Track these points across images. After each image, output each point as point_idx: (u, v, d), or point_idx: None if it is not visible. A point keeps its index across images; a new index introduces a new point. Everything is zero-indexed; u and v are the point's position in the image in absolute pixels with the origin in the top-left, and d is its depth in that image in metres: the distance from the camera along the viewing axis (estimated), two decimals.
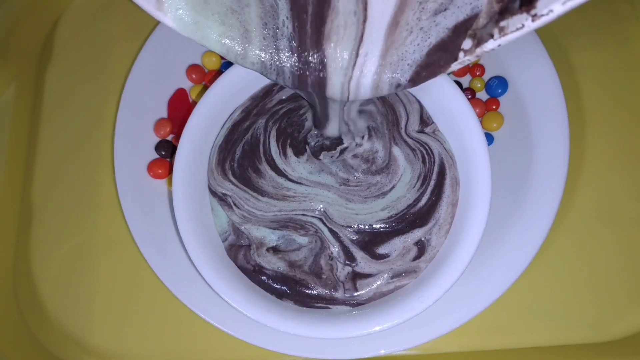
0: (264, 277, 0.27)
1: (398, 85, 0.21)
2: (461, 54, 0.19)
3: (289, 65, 0.22)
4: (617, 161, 0.32)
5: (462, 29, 0.19)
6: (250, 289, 0.26)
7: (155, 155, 0.32)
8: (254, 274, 0.27)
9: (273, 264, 0.27)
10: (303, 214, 0.27)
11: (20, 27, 0.35)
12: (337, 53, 0.21)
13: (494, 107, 0.31)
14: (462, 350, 0.30)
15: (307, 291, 0.27)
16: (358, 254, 0.26)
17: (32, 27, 0.36)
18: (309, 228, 0.27)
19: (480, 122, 0.29)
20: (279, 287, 0.27)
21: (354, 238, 0.26)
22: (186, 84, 0.33)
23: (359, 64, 0.21)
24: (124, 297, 0.32)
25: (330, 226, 0.27)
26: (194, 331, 0.31)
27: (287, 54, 0.21)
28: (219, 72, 0.33)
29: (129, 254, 0.32)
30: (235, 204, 0.27)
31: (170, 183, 0.31)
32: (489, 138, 0.31)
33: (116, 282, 0.32)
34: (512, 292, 0.28)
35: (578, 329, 0.30)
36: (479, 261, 0.27)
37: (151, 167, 0.31)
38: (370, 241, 0.26)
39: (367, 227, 0.27)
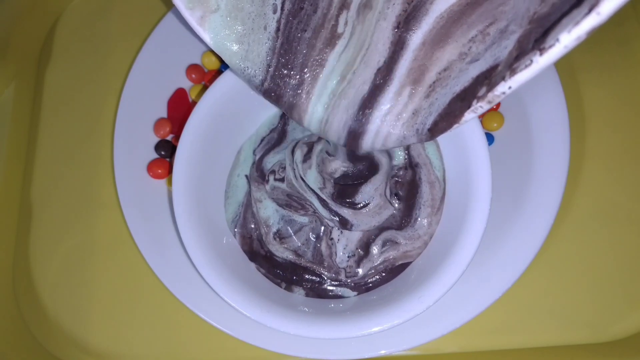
0: (274, 264, 0.27)
1: (416, 134, 0.21)
2: (474, 101, 0.18)
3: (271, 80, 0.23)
4: (618, 161, 0.32)
5: (482, 78, 0.18)
6: (251, 289, 0.26)
7: (155, 155, 0.32)
8: (266, 260, 0.27)
9: (281, 252, 0.27)
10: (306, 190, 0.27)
11: (19, 26, 0.35)
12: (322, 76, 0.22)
13: (494, 106, 0.31)
14: (463, 351, 0.30)
15: (314, 277, 0.27)
16: (342, 210, 0.26)
17: (31, 27, 0.36)
18: (308, 208, 0.27)
19: (481, 121, 0.29)
20: (288, 274, 0.27)
21: (333, 192, 0.27)
22: (186, 83, 0.33)
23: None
24: (123, 297, 0.32)
25: (322, 195, 0.27)
26: (193, 331, 0.31)
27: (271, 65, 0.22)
28: (218, 72, 0.33)
29: (128, 254, 0.32)
30: (275, 177, 0.28)
31: (170, 183, 0.31)
32: (489, 138, 0.31)
33: (116, 282, 0.32)
34: (513, 293, 0.28)
35: (578, 329, 0.30)
36: (479, 261, 0.27)
37: (151, 167, 0.31)
38: (344, 192, 0.27)
39: (340, 174, 0.27)
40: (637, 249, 0.31)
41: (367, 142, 0.22)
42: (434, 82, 0.20)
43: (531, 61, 0.16)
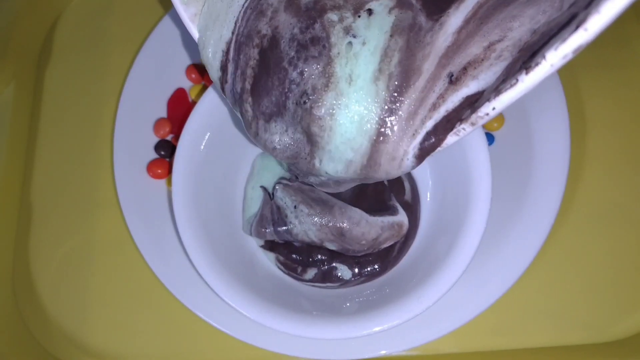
0: (292, 250, 0.29)
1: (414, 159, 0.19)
2: (458, 123, 0.18)
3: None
4: (618, 161, 0.32)
5: (468, 101, 0.18)
6: (250, 289, 0.26)
7: (155, 155, 0.32)
8: (285, 247, 0.29)
9: (299, 227, 0.28)
10: None
11: (19, 26, 0.35)
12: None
13: None
14: (462, 351, 0.30)
15: (324, 257, 0.28)
16: None
17: (31, 27, 0.36)
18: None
19: None
20: (304, 256, 0.28)
21: None
22: (186, 83, 0.33)
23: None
24: (123, 298, 0.31)
25: None
26: (193, 332, 0.31)
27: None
28: None
29: (128, 254, 0.32)
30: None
31: (169, 183, 0.31)
32: (490, 138, 0.31)
33: (115, 282, 0.32)
34: (513, 293, 0.28)
35: (578, 330, 0.30)
36: (479, 262, 0.27)
37: (150, 167, 0.31)
38: None
39: None
40: (636, 250, 0.31)
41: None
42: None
43: (517, 80, 0.15)
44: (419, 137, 0.18)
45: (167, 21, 0.33)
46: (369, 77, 0.18)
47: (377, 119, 0.18)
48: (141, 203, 0.31)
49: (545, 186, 0.29)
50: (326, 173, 0.20)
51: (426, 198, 0.29)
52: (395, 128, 0.18)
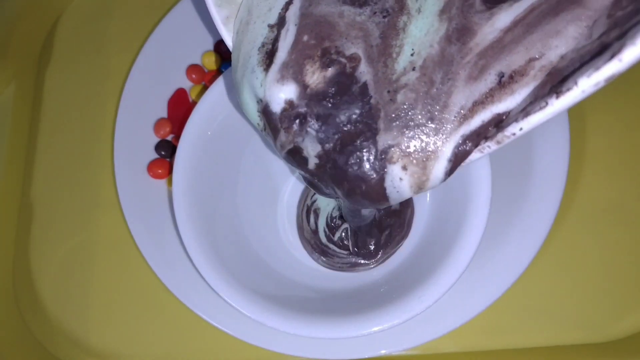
0: (312, 238, 0.31)
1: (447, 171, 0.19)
2: (483, 140, 0.18)
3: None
4: (618, 161, 0.32)
5: (500, 118, 0.18)
6: (251, 288, 0.26)
7: (155, 155, 0.32)
8: (312, 235, 0.31)
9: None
10: None
11: (20, 26, 0.35)
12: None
13: None
14: (462, 351, 0.30)
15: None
16: None
17: (31, 27, 0.36)
18: None
19: None
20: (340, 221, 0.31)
21: None
22: (186, 84, 0.33)
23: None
24: (123, 297, 0.32)
25: None
26: (193, 331, 0.31)
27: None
28: (218, 72, 0.33)
29: (128, 254, 0.32)
30: None
31: (170, 183, 0.31)
32: None
33: (116, 282, 0.32)
34: (512, 293, 0.28)
35: (578, 329, 0.30)
36: (479, 261, 0.27)
37: (151, 167, 0.31)
38: None
39: None
40: (635, 250, 0.31)
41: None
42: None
43: (546, 103, 0.16)
44: (459, 134, 0.18)
45: (167, 21, 0.33)
46: (435, 11, 0.20)
47: (442, 35, 0.19)
48: (142, 203, 0.31)
49: (545, 186, 0.29)
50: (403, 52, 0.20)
51: (426, 199, 0.30)
52: (454, 55, 0.19)
